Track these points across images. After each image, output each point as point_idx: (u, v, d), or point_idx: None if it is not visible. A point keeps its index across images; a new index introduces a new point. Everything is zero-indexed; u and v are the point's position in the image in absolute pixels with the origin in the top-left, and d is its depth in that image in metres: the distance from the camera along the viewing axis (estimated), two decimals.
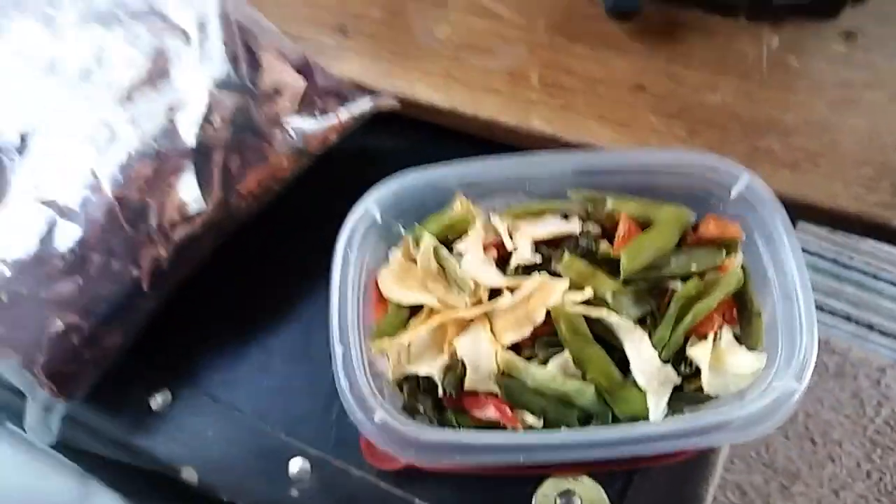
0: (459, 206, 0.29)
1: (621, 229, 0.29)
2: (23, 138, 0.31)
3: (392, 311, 0.28)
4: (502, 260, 0.29)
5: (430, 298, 0.27)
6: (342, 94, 0.34)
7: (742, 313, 0.29)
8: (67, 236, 0.30)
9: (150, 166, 0.31)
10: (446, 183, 0.29)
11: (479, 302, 0.28)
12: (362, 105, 0.35)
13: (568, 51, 0.37)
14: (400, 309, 0.28)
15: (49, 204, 0.30)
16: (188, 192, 0.31)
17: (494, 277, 0.28)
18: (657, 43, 0.37)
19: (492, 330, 0.27)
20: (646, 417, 0.26)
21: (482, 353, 0.27)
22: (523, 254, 0.28)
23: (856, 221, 0.34)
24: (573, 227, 0.29)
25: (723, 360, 0.28)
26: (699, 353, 0.27)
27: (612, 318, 0.27)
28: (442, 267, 0.28)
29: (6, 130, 0.31)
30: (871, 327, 0.81)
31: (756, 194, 0.29)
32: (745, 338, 0.29)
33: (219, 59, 0.32)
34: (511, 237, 0.29)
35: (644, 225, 0.29)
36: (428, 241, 0.28)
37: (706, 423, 0.24)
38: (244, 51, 0.34)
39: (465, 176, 0.29)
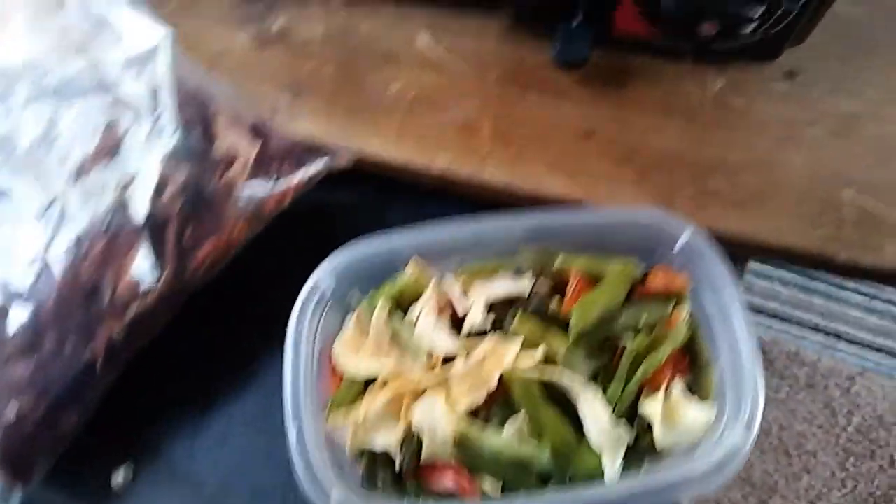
0: (412, 270, 0.30)
1: (571, 286, 0.30)
2: None
3: (347, 383, 0.28)
4: (457, 321, 0.30)
5: (384, 368, 0.28)
6: (296, 155, 0.35)
7: (693, 363, 0.30)
8: (20, 319, 0.30)
9: (101, 243, 0.31)
10: (400, 249, 0.30)
11: (434, 368, 0.28)
12: (317, 165, 0.35)
13: (519, 101, 0.37)
14: (355, 380, 0.28)
15: (0, 287, 0.30)
16: (141, 267, 0.31)
17: (448, 343, 0.28)
18: (605, 89, 0.38)
19: (447, 396, 0.28)
20: (602, 477, 0.26)
21: (438, 421, 0.27)
22: (475, 319, 0.29)
23: (803, 257, 0.35)
24: (524, 286, 0.30)
25: (675, 413, 0.28)
26: (651, 409, 0.28)
27: (564, 379, 0.28)
28: (396, 334, 0.29)
29: None
30: (838, 336, 0.82)
31: (699, 247, 0.29)
32: (697, 388, 0.30)
33: (171, 130, 0.32)
34: (466, 296, 0.30)
35: (594, 279, 0.30)
36: (380, 308, 0.28)
37: (658, 482, 0.25)
38: (197, 117, 0.34)
39: (418, 241, 0.30)
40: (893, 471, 0.73)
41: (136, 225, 0.31)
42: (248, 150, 0.34)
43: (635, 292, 0.30)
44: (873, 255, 0.34)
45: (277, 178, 0.34)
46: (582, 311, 0.28)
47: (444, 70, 0.38)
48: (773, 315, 0.84)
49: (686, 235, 0.29)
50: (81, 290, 0.31)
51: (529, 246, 0.30)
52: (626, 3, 0.34)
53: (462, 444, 0.27)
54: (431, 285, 0.29)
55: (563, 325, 0.29)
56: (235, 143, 0.34)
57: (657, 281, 0.30)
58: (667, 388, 0.28)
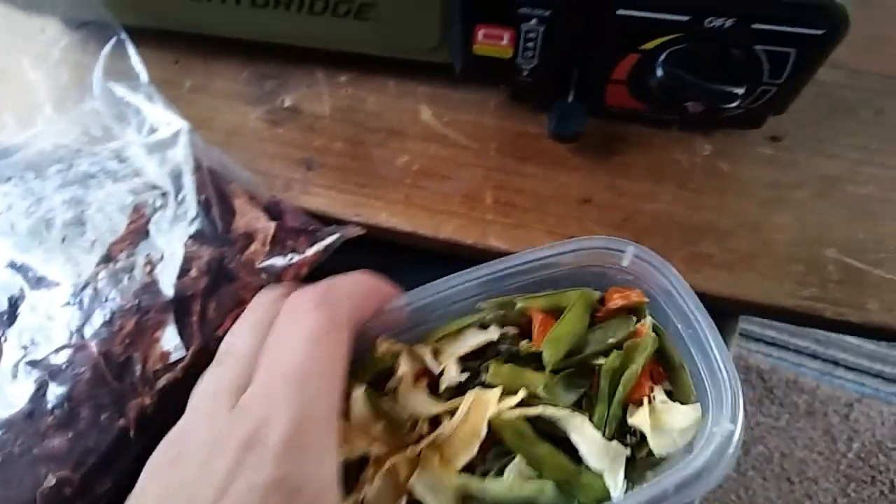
0: (381, 348, 0.31)
1: (535, 324, 0.31)
2: (11, 304, 0.33)
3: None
4: (434, 386, 0.31)
5: (374, 447, 0.29)
6: (311, 230, 0.37)
7: (667, 369, 0.32)
8: (56, 394, 0.32)
9: (132, 321, 0.33)
10: (363, 331, 0.31)
11: (422, 435, 0.29)
12: (330, 238, 0.37)
13: (518, 171, 0.40)
14: (348, 466, 0.29)
15: (37, 364, 0.32)
16: (170, 341, 0.33)
17: (430, 406, 0.30)
18: (599, 157, 0.40)
19: (441, 457, 0.29)
20: (609, 497, 0.28)
21: (438, 485, 0.28)
22: (450, 375, 0.31)
23: (791, 314, 0.37)
24: (492, 334, 0.32)
25: (662, 419, 0.30)
26: (639, 419, 0.29)
27: (548, 411, 0.29)
28: (377, 411, 0.30)
29: None
30: (836, 363, 0.84)
31: (644, 260, 0.31)
32: (678, 392, 0.31)
33: (193, 212, 0.35)
34: (437, 360, 0.32)
35: (555, 312, 0.32)
36: (356, 391, 0.30)
37: (664, 487, 0.26)
38: (216, 198, 0.36)
39: (380, 319, 0.31)
40: (894, 496, 0.75)
41: (164, 303, 0.34)
42: (265, 227, 0.36)
43: (597, 316, 0.32)
44: (858, 313, 0.36)
45: (294, 253, 0.36)
46: (551, 345, 0.30)
47: (447, 143, 0.41)
48: (772, 343, 0.85)
49: (630, 252, 0.31)
50: (114, 365, 0.33)
51: (486, 300, 0.32)
52: (616, 83, 0.36)
53: (466, 500, 0.28)
54: (403, 356, 0.31)
55: (537, 364, 0.30)
56: (253, 220, 0.37)
57: (615, 300, 0.32)
58: (649, 398, 0.30)
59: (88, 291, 0.33)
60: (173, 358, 0.33)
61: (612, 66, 0.36)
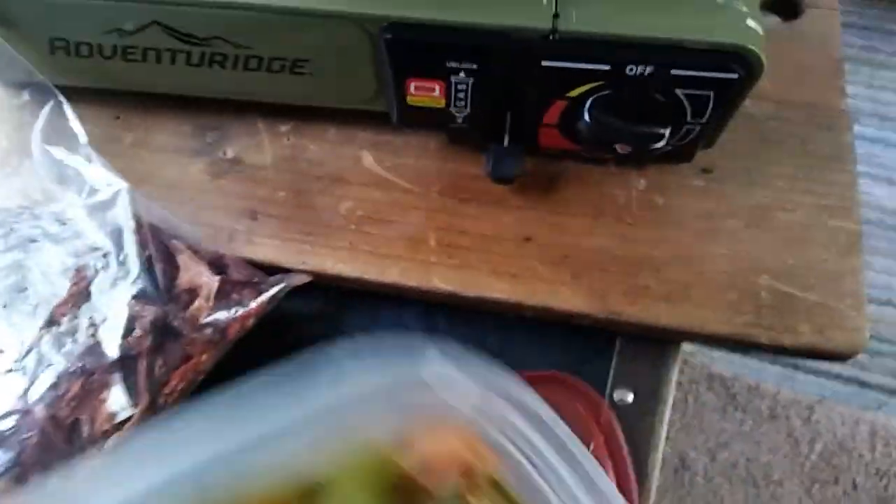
0: None
1: None
2: None
3: None
4: None
5: None
6: (256, 282, 0.37)
7: None
8: (5, 459, 0.32)
9: (78, 383, 0.33)
10: None
11: None
12: (275, 288, 0.38)
13: (460, 212, 0.41)
14: None
15: None
16: (117, 401, 0.34)
17: None
18: (538, 195, 0.41)
19: None
20: None
21: None
22: None
23: (729, 341, 0.38)
24: None
25: None
26: None
27: None
28: None
29: None
30: (796, 367, 0.86)
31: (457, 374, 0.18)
32: None
33: (135, 271, 0.35)
34: None
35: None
36: None
37: None
38: (159, 255, 0.36)
39: None
40: (856, 494, 0.77)
41: (109, 364, 0.34)
42: (208, 282, 0.37)
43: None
44: (791, 336, 0.38)
45: (239, 305, 0.37)
46: None
47: (390, 187, 0.41)
48: (733, 350, 0.87)
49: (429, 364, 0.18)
50: (61, 429, 0.33)
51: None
52: (548, 127, 0.37)
53: None
54: None
55: None
56: (197, 275, 0.37)
57: (434, 463, 0.18)
58: None
59: (33, 356, 0.34)
60: (121, 417, 0.34)
61: (542, 112, 0.37)
